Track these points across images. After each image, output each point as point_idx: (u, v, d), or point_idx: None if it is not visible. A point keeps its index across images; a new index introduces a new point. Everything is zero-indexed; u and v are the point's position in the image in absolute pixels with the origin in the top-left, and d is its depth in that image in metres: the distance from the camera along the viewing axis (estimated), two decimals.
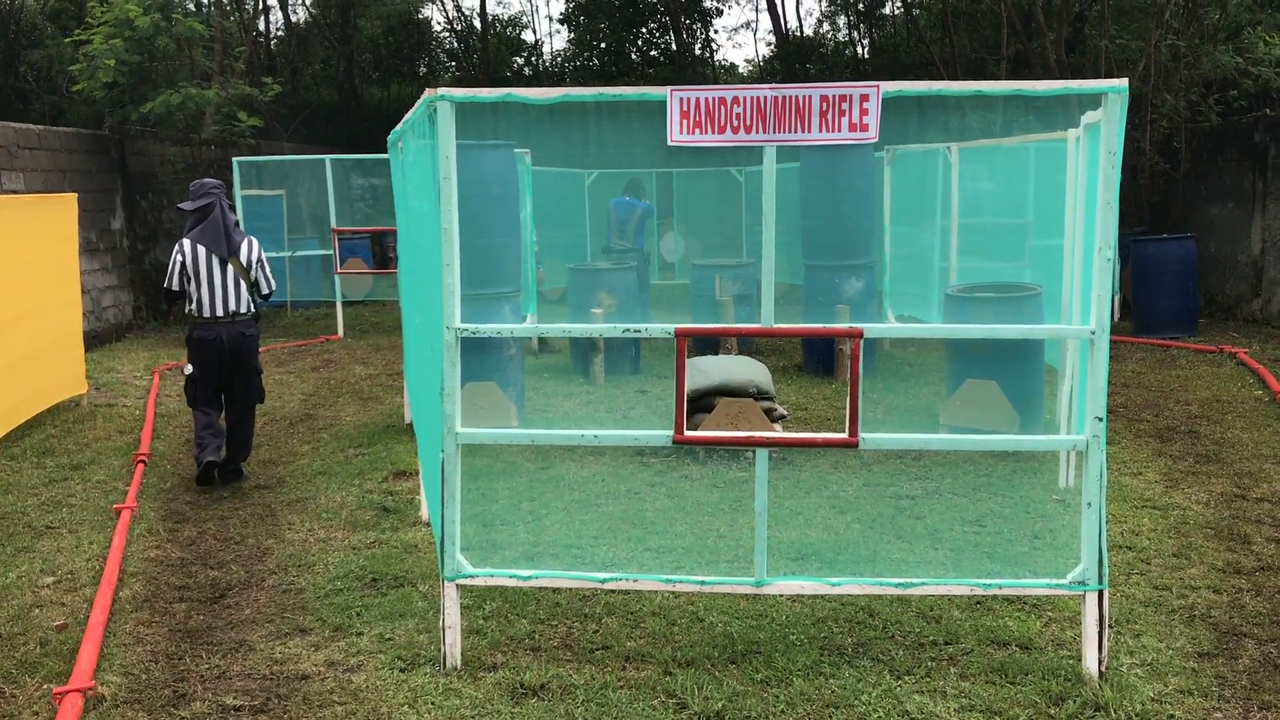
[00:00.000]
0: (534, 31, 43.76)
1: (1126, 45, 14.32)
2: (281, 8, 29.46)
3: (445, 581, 4.23)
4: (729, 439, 4.45)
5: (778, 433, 6.77)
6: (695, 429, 7.55)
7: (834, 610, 4.81)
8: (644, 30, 33.49)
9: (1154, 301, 12.36)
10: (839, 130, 3.93)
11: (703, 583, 4.24)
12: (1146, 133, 14.87)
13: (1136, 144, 14.86)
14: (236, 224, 7.22)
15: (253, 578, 5.43)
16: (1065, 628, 4.63)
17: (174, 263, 6.98)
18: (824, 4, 33.65)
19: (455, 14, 35.84)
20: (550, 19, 45.82)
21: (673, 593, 4.90)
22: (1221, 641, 4.49)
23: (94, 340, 12.75)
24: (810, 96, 3.93)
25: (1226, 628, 4.62)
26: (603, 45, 33.40)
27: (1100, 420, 3.99)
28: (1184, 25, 13.74)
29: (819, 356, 10.41)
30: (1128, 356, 11.41)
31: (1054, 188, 7.98)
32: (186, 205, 7.11)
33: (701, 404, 7.61)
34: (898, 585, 4.14)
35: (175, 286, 6.99)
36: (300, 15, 30.73)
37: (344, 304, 14.41)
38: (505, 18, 36.28)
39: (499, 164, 8.08)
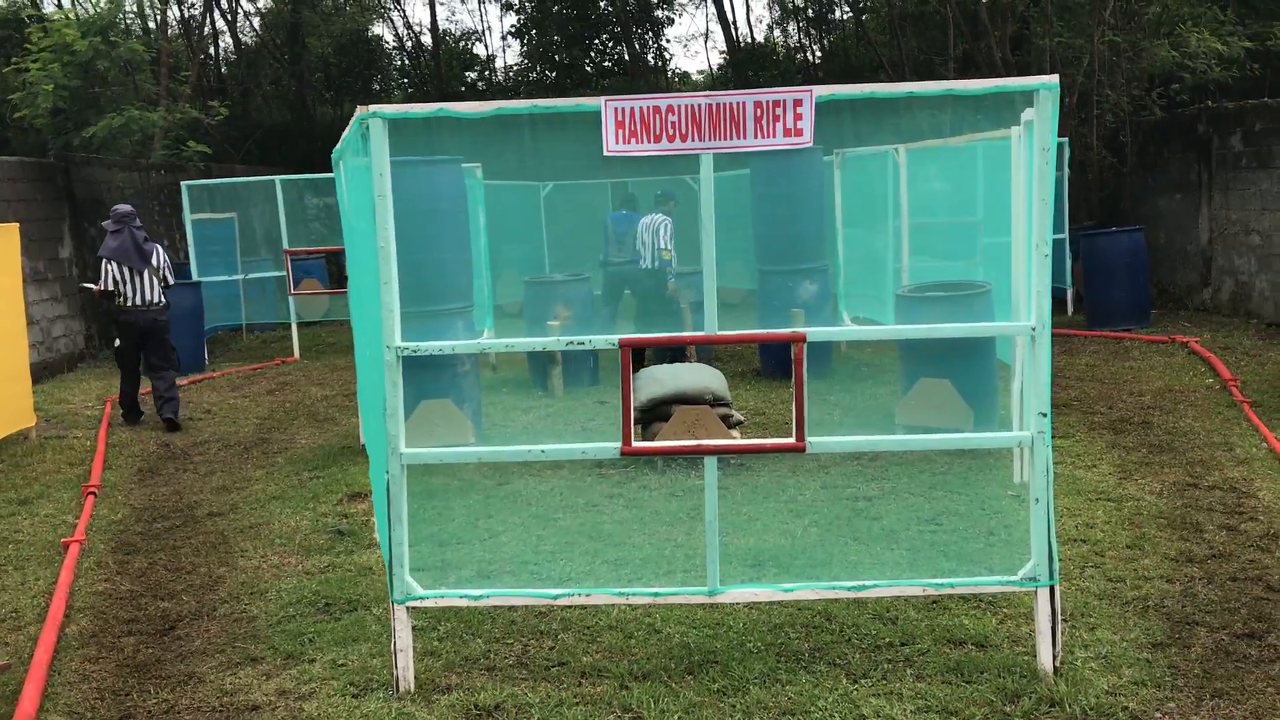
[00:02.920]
0: (486, 46, 43.67)
1: (1069, 43, 14.48)
2: (231, 30, 29.25)
3: (395, 605, 4.17)
4: (675, 448, 4.44)
5: (727, 440, 6.76)
6: (653, 438, 7.55)
7: (791, 616, 4.80)
8: (597, 42, 33.54)
9: (1106, 294, 12.48)
10: (774, 136, 3.92)
11: (656, 594, 4.21)
12: (1093, 128, 15.06)
13: (1084, 139, 15.04)
14: (145, 239, 9.71)
15: (204, 607, 5.34)
16: (1021, 624, 4.64)
17: (105, 274, 9.54)
18: (774, 11, 33.86)
19: (405, 31, 35.63)
20: (503, 35, 45.70)
21: (629, 605, 4.86)
22: (1174, 631, 4.51)
23: (45, 371, 12.55)
24: (745, 103, 3.92)
25: (1179, 617, 4.65)
26: (556, 58, 33.42)
27: (1044, 416, 4.00)
28: (1122, 21, 13.91)
29: (777, 361, 10.42)
30: (1082, 350, 11.52)
31: (1002, 185, 8.03)
32: (108, 225, 9.70)
33: (658, 412, 7.59)
34: (851, 589, 4.13)
35: (110, 287, 9.56)
36: (250, 37, 30.50)
37: (300, 325, 14.27)
38: (457, 33, 36.21)
39: (447, 179, 8.04)
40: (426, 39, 31.78)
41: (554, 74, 33.76)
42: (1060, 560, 5.32)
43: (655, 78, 33.11)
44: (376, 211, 3.96)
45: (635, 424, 7.94)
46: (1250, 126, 12.67)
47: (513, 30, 32.73)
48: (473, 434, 8.03)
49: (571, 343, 4.25)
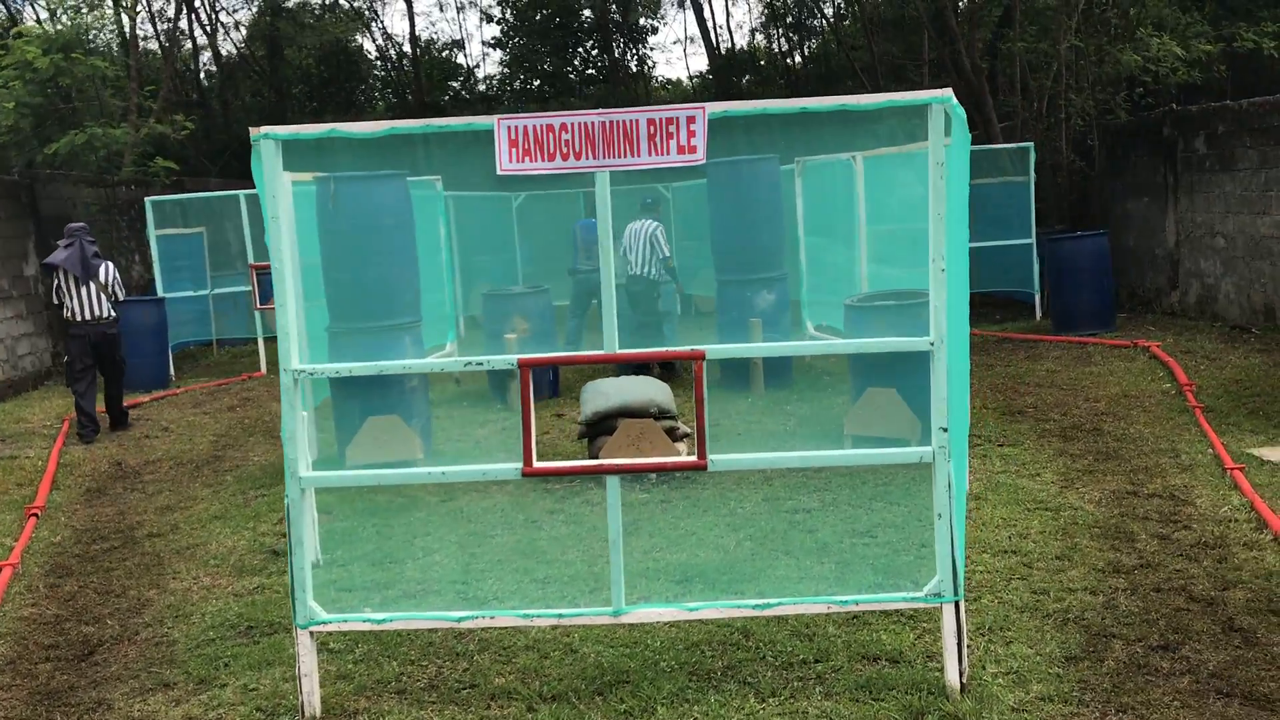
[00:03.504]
0: (466, 57, 43.65)
1: (1032, 47, 14.50)
2: (210, 43, 29.23)
3: (298, 630, 4.14)
4: (574, 468, 4.41)
5: (655, 457, 6.75)
6: (598, 452, 7.53)
7: (709, 633, 4.76)
8: (580, 50, 33.57)
9: (1071, 299, 12.47)
10: (668, 153, 3.90)
11: (560, 615, 4.18)
12: (1062, 132, 15.06)
13: (1054, 143, 15.05)
14: (95, 254, 9.99)
15: (126, 631, 5.30)
16: (938, 638, 4.60)
17: (54, 285, 9.95)
18: (755, 17, 33.89)
19: (385, 42, 35.63)
20: (484, 43, 45.58)
21: (554, 626, 4.83)
22: (1090, 644, 4.48)
23: (9, 389, 12.51)
24: (637, 120, 3.90)
25: (1098, 629, 4.62)
26: (540, 67, 33.45)
27: (944, 431, 3.98)
28: (1087, 26, 13.93)
29: (735, 372, 10.39)
30: (1045, 355, 11.50)
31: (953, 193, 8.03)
32: (61, 241, 10.03)
33: (603, 426, 7.56)
34: (756, 606, 4.10)
35: (56, 301, 9.96)
36: (229, 49, 30.47)
37: (268, 340, 14.23)
38: (440, 43, 36.21)
39: (390, 194, 8.01)
40: (409, 49, 31.75)
41: (537, 82, 33.84)
42: (988, 572, 5.32)
43: (636, 85, 33.15)
44: (269, 233, 3.93)
45: (580, 438, 7.97)
46: (1213, 129, 12.67)
47: (493, 41, 32.79)
48: (420, 449, 7.99)
49: (469, 364, 4.21)
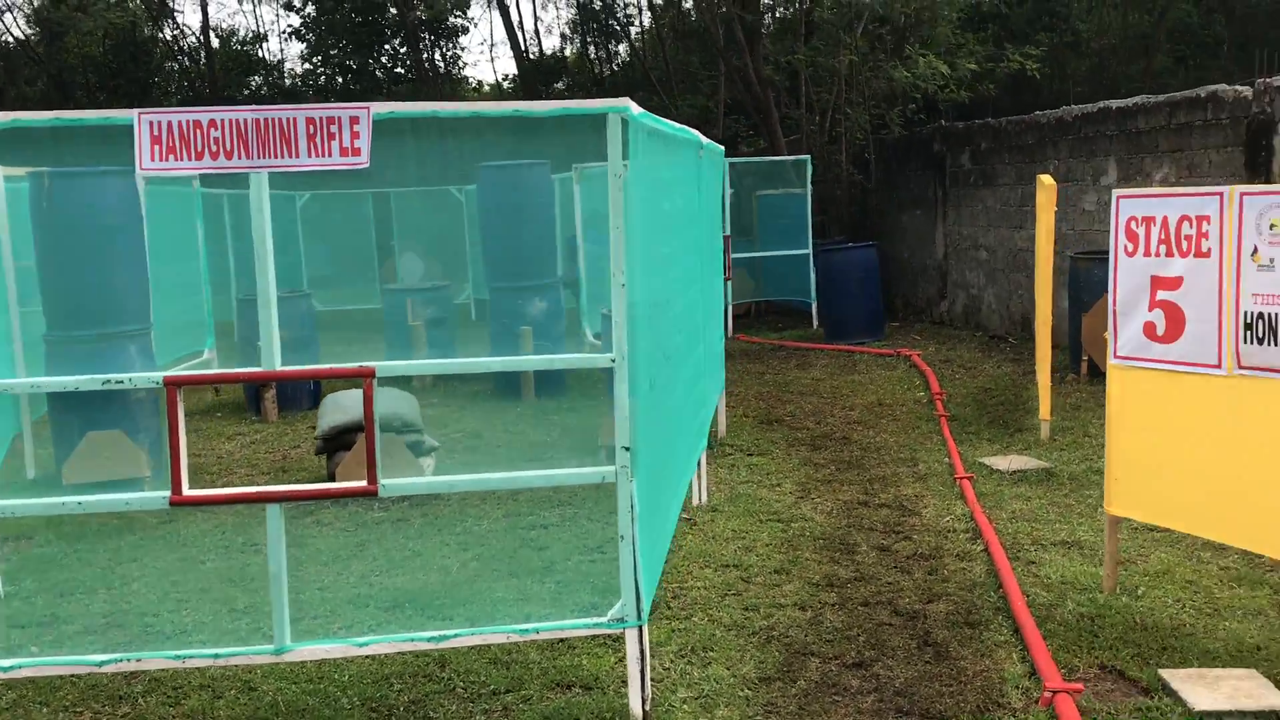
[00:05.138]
0: (267, 51, 41.97)
1: (811, 60, 14.82)
2: None
3: None
4: (233, 496, 4.08)
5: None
6: (335, 468, 7.17)
7: (404, 664, 4.51)
8: (388, 48, 32.73)
9: (842, 308, 12.76)
10: (330, 155, 3.64)
11: (216, 655, 3.85)
12: (842, 145, 15.44)
13: (833, 156, 15.41)
14: None
15: None
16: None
17: None
18: (564, 23, 33.81)
19: (176, 31, 33.87)
20: (280, 34, 43.86)
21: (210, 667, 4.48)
22: (788, 663, 4.43)
23: None
24: (296, 119, 3.62)
25: (799, 647, 4.58)
26: (345, 63, 32.46)
27: (627, 450, 3.84)
28: (864, 43, 14.31)
29: (507, 380, 10.16)
30: (814, 363, 11.71)
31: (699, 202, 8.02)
32: None
33: (341, 441, 7.22)
34: (430, 640, 3.87)
35: None
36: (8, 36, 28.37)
37: None
38: (240, 35, 34.69)
39: (111, 191, 7.43)
40: (202, 38, 30.25)
41: (342, 79, 32.82)
42: (707, 588, 5.24)
43: (445, 86, 32.55)
44: None
45: (319, 453, 7.58)
46: (977, 145, 13.19)
47: (290, 31, 31.62)
48: (148, 466, 7.45)
49: (109, 381, 3.84)
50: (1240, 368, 4.39)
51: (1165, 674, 4.11)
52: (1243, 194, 4.34)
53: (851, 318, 12.64)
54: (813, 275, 14.02)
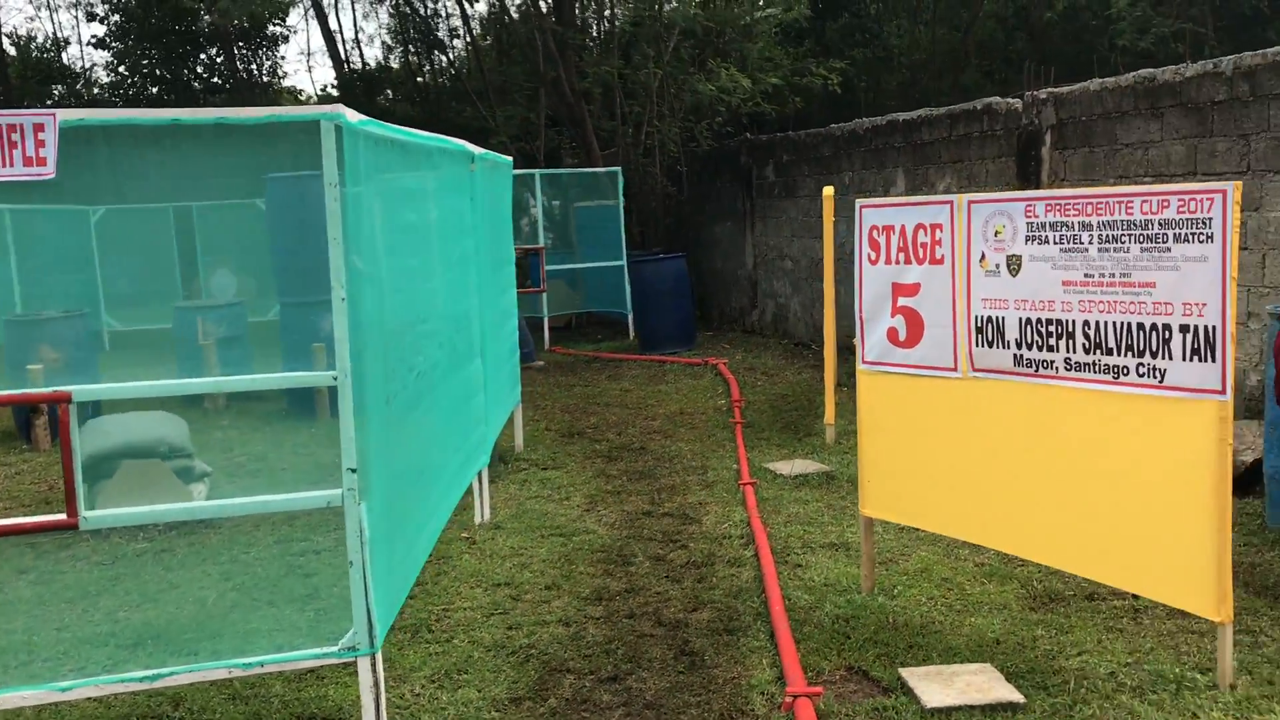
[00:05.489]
0: (68, 57, 39.99)
1: (620, 72, 14.91)
2: None
3: None
4: None
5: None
6: (97, 497, 6.77)
7: (133, 706, 4.24)
8: (204, 56, 31.55)
9: (655, 319, 12.83)
10: (12, 165, 3.38)
11: None
12: (656, 158, 15.56)
13: (648, 169, 15.52)
14: None
15: None
16: (391, 687, 4.33)
17: None
18: (386, 34, 33.20)
19: None
20: (83, 43, 41.68)
21: None
22: (542, 681, 4.35)
23: None
24: None
25: (556, 664, 4.51)
26: (158, 73, 31.16)
27: (353, 472, 3.69)
28: (674, 56, 14.47)
29: (301, 399, 9.82)
30: (625, 374, 11.72)
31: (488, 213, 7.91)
32: None
33: (105, 469, 6.82)
34: (143, 679, 3.63)
35: None
36: None
37: None
38: (38, 42, 32.93)
39: None
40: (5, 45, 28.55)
41: (155, 89, 31.51)
42: (472, 609, 5.12)
43: (264, 96, 31.56)
44: None
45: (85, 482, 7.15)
46: (779, 158, 13.47)
47: (94, 40, 30.16)
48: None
49: None
50: (974, 370, 4.53)
51: (905, 673, 4.20)
52: (970, 201, 4.48)
53: (664, 328, 12.72)
54: (628, 286, 14.07)
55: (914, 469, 4.84)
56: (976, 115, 9.80)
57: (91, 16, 30.39)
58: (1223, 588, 3.87)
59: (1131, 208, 3.96)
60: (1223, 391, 3.79)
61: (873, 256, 4.88)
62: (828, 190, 8.05)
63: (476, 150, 6.30)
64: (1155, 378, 3.95)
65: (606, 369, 12.20)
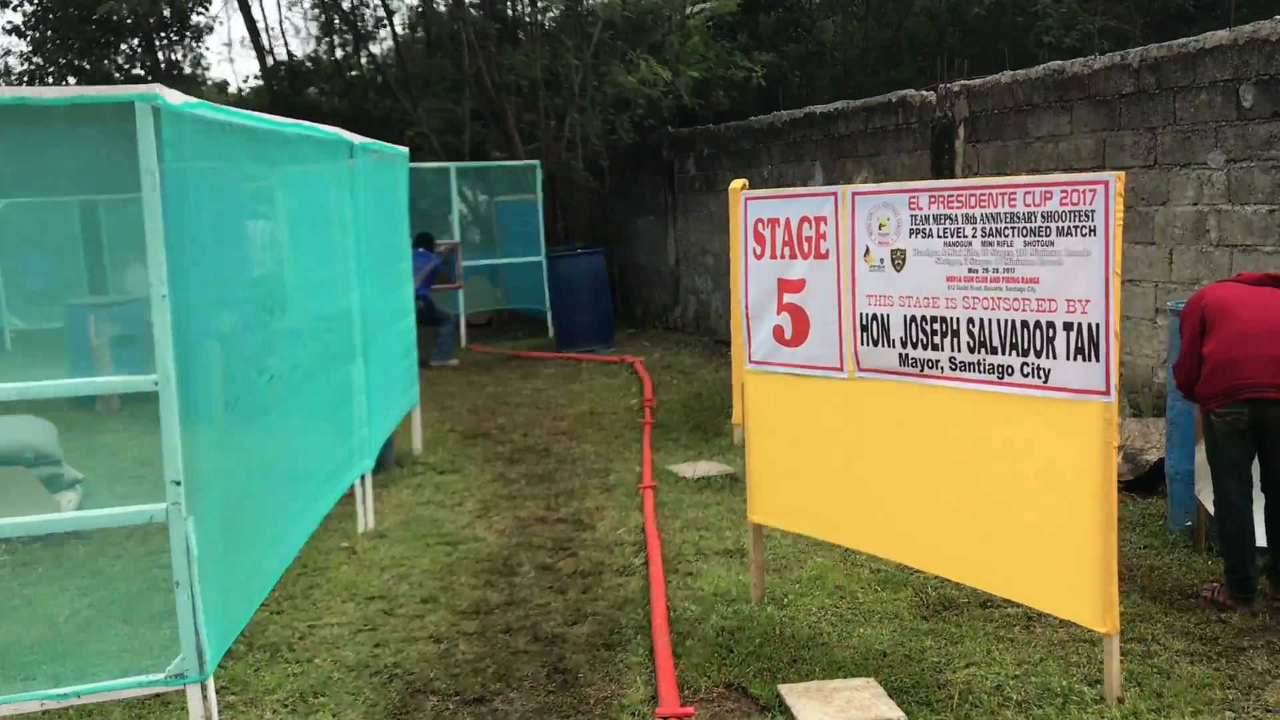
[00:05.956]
0: None
1: (533, 63, 14.63)
2: None
3: None
4: None
5: None
6: None
7: None
8: (125, 47, 30.70)
9: (572, 316, 12.56)
10: None
11: None
12: (579, 152, 15.28)
13: (569, 162, 15.23)
14: None
15: None
16: (252, 711, 4.04)
17: None
18: (313, 25, 32.54)
19: None
20: (5, 30, 40.67)
21: None
22: (403, 704, 4.08)
23: None
24: None
25: (420, 685, 4.23)
26: (75, 63, 30.26)
27: (178, 485, 3.39)
28: (594, 47, 14.19)
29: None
30: (539, 373, 11.45)
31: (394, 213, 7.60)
32: None
33: None
34: None
35: None
36: None
37: None
38: None
39: None
40: None
41: (75, 79, 30.61)
42: (341, 625, 4.84)
43: (189, 87, 30.80)
44: None
45: None
46: (700, 152, 13.26)
47: (8, 27, 29.15)
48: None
49: None
50: (860, 370, 4.33)
51: (784, 690, 3.98)
52: (854, 193, 4.28)
53: (581, 325, 12.45)
54: (546, 283, 13.79)
55: (802, 474, 4.63)
56: (892, 108, 9.66)
57: (4, 3, 29.36)
58: (1108, 597, 3.70)
59: (1014, 199, 3.78)
60: (1107, 392, 3.62)
61: (758, 250, 4.66)
62: (735, 184, 7.82)
63: (357, 140, 5.99)
64: (1040, 378, 3.78)
65: (522, 367, 11.92)
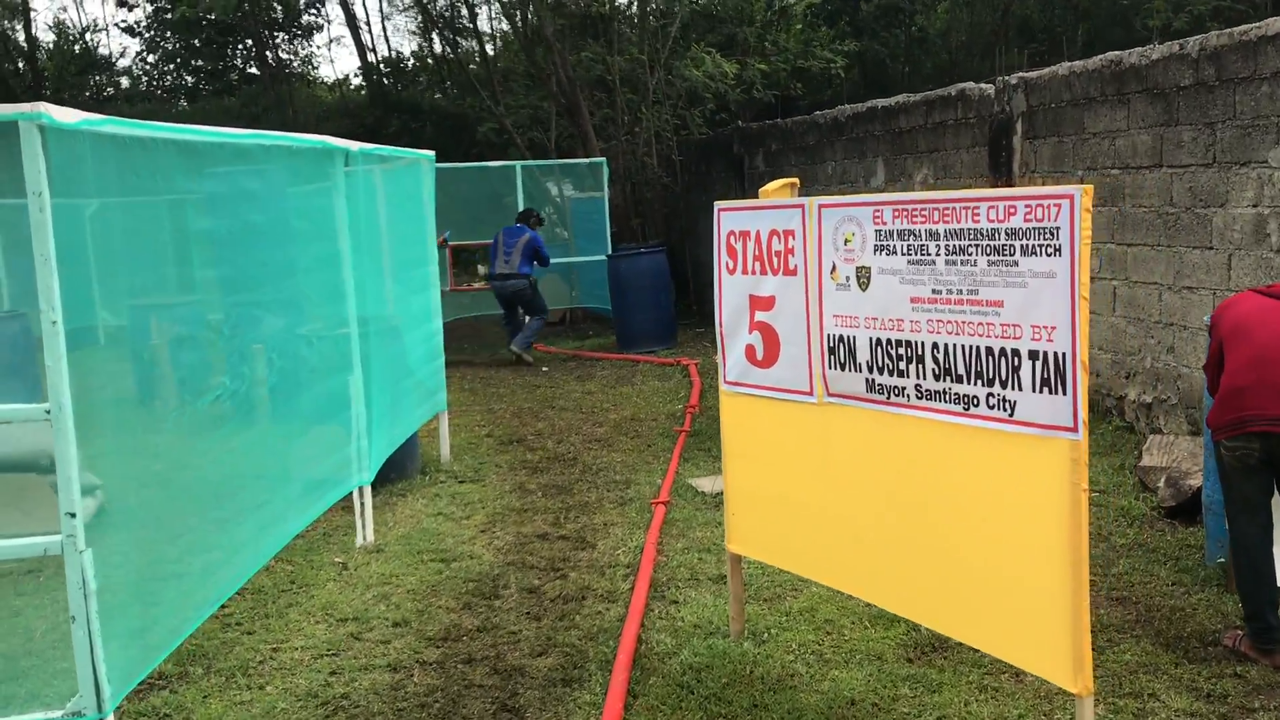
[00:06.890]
0: (104, 48, 40.29)
1: (601, 60, 14.42)
2: None
3: None
4: None
5: None
6: None
7: None
8: (241, 47, 31.58)
9: (631, 316, 12.33)
10: None
11: None
12: (654, 148, 15.05)
13: (642, 159, 15.01)
14: None
15: None
16: None
17: None
18: (412, 23, 32.96)
19: None
20: (117, 26, 41.92)
21: None
22: None
23: None
24: None
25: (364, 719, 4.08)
26: (192, 62, 31.30)
27: (72, 517, 3.29)
28: (659, 43, 13.93)
29: None
30: (594, 375, 11.26)
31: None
32: None
33: None
34: None
35: None
36: None
37: None
38: (70, 34, 33.16)
39: None
40: (48, 37, 28.75)
41: (193, 79, 31.66)
42: (304, 649, 4.72)
43: (299, 85, 31.52)
44: None
45: None
46: (769, 147, 12.90)
47: (123, 25, 30.25)
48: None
49: None
50: (829, 395, 4.01)
51: None
52: (821, 206, 3.96)
53: (641, 325, 12.21)
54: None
55: (776, 503, 4.33)
56: (951, 102, 9.18)
57: (121, 3, 30.34)
58: (1079, 653, 3.32)
59: (978, 214, 3.42)
60: (1074, 429, 3.23)
61: (730, 265, 4.38)
62: (769, 186, 7.48)
63: (355, 147, 5.86)
64: (1006, 410, 3.41)
65: (580, 368, 11.75)
